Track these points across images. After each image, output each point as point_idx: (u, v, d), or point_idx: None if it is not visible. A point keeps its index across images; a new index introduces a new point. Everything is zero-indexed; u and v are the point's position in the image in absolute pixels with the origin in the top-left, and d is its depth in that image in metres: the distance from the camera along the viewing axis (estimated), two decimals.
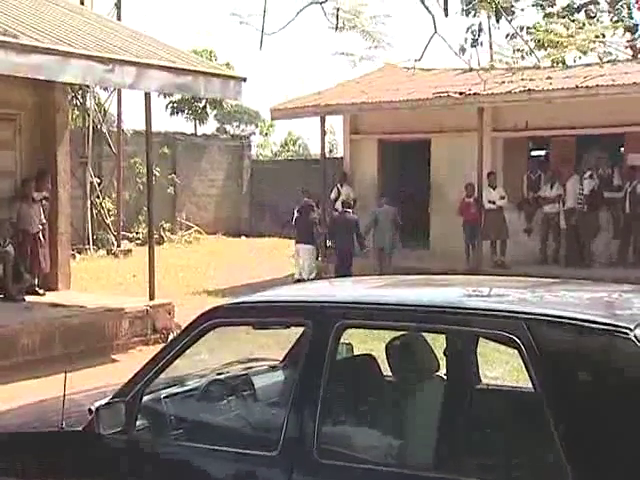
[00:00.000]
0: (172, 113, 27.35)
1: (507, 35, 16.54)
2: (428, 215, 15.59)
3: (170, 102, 27.10)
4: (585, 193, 13.52)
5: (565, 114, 13.81)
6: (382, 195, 14.34)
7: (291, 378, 3.45)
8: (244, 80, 9.66)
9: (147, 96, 9.85)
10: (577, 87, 12.71)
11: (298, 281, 13.20)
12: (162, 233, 20.28)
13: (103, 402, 3.26)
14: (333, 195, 15.84)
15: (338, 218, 13.72)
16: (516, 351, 2.61)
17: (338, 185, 15.94)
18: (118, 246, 18.47)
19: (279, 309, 3.29)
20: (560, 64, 12.76)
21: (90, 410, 3.26)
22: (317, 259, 14.03)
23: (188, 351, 3.31)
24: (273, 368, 4.05)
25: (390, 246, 13.62)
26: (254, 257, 18.36)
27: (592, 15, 18.25)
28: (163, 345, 3.54)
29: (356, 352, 3.91)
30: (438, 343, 3.56)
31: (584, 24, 14.12)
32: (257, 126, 33.65)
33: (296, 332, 3.56)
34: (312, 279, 12.74)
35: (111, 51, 8.55)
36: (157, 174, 17.51)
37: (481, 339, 3.31)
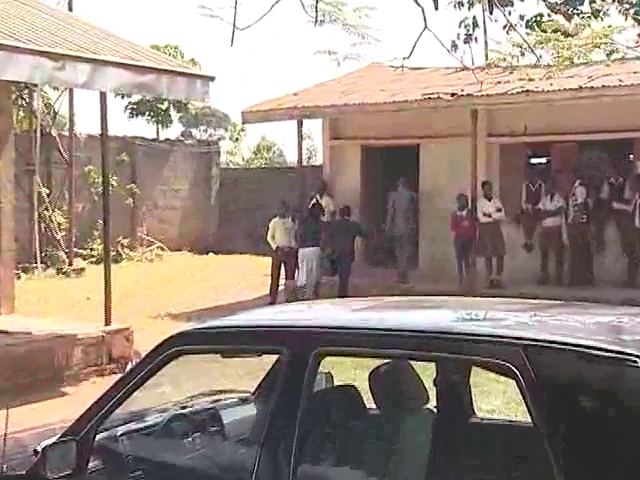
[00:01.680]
0: (131, 116, 27.32)
1: (505, 26, 16.69)
2: (416, 229, 15.66)
3: (129, 103, 27.07)
4: (579, 202, 13.66)
5: (567, 117, 13.96)
6: (398, 178, 14.79)
7: (264, 412, 3.44)
8: (212, 79, 9.67)
9: (103, 96, 9.83)
10: (581, 88, 12.83)
11: (302, 288, 14.12)
12: (120, 250, 20.18)
13: (51, 441, 3.23)
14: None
15: (337, 224, 14.43)
16: (513, 381, 2.62)
17: (317, 196, 15.97)
18: (70, 264, 18.34)
19: (250, 335, 3.29)
20: (567, 62, 12.86)
21: (36, 451, 3.23)
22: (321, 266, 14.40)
23: (148, 382, 3.30)
24: (244, 401, 4.03)
25: (406, 232, 14.27)
26: (224, 276, 18.30)
27: (598, 10, 18.49)
28: (120, 376, 3.52)
29: (336, 382, 3.91)
30: (427, 372, 3.58)
31: (590, 16, 14.29)
32: (227, 130, 33.71)
33: (269, 360, 3.56)
34: (317, 285, 13.90)
35: (62, 46, 8.53)
36: (114, 184, 17.43)
37: (475, 368, 3.32)
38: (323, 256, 14.45)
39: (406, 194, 14.69)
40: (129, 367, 3.52)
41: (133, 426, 3.60)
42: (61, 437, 3.27)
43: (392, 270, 14.96)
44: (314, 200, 15.88)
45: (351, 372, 4.31)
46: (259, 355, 3.46)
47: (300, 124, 15.71)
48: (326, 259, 14.45)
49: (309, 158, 30.70)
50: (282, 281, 15.15)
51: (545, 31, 12.94)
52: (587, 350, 2.61)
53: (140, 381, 3.28)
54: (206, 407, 3.89)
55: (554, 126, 14.29)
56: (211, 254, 22.79)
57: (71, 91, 19.20)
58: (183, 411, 3.79)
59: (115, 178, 18.01)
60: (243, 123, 18.14)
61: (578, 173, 14.26)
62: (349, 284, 14.03)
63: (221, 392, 4.24)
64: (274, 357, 3.42)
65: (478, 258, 14.04)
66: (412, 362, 3.44)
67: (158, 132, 27.37)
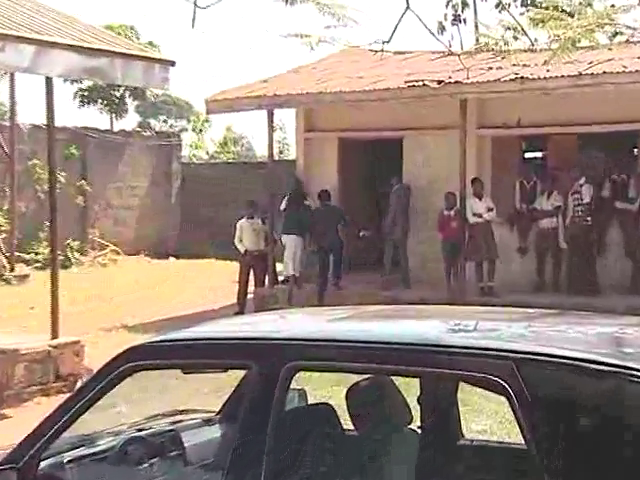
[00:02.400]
0: (82, 104, 27.22)
1: (497, 4, 16.74)
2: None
3: (79, 90, 26.97)
4: (585, 202, 13.70)
5: (566, 108, 14.07)
6: (393, 179, 15.06)
7: (230, 434, 3.44)
8: (172, 64, 9.65)
9: (49, 82, 9.77)
10: (580, 75, 12.87)
11: (286, 280, 14.91)
12: (69, 254, 20.07)
13: None
14: (284, 206, 15.88)
15: (318, 213, 14.76)
16: (504, 398, 2.65)
17: (290, 194, 15.98)
18: (11, 270, 18.21)
19: (215, 348, 3.29)
20: (570, 44, 12.87)
21: None
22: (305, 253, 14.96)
23: (101, 402, 3.28)
24: (207, 422, 4.03)
25: (401, 234, 14.52)
26: (186, 283, 18.26)
27: None
28: (69, 395, 3.50)
29: (311, 400, 3.92)
30: (411, 389, 3.60)
31: None
32: (189, 121, 33.67)
33: (236, 376, 3.56)
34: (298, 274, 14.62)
35: (2, 25, 8.47)
36: (62, 180, 17.33)
37: (463, 384, 3.34)
38: (309, 251, 14.70)
39: (404, 193, 14.78)
40: (79, 385, 3.51)
41: (83, 451, 3.58)
42: (0, 464, 3.25)
43: (373, 275, 15.02)
44: (288, 195, 15.90)
45: (327, 389, 4.32)
46: (224, 371, 3.46)
47: (271, 114, 15.70)
48: (315, 254, 14.73)
49: (281, 152, 30.66)
50: (251, 288, 15.16)
51: (547, 8, 12.99)
52: (585, 364, 2.63)
53: (91, 401, 3.27)
54: (166, 429, 3.88)
55: (551, 117, 14.38)
56: (172, 259, 22.73)
57: (12, 76, 19.06)
58: (140, 434, 3.78)
59: (63, 174, 17.91)
60: (207, 113, 18.09)
61: (581, 170, 14.26)
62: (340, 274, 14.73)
63: (182, 412, 4.23)
64: (241, 373, 3.43)
65: (468, 263, 14.11)
66: (394, 378, 3.46)
67: (112, 122, 27.27)
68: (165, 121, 34.90)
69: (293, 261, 14.85)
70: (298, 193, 15.36)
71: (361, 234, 15.54)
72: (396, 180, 15.07)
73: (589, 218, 13.76)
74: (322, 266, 14.74)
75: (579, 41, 12.84)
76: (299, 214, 15.04)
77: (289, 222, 14.98)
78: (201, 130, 33.29)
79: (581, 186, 13.87)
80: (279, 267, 15.78)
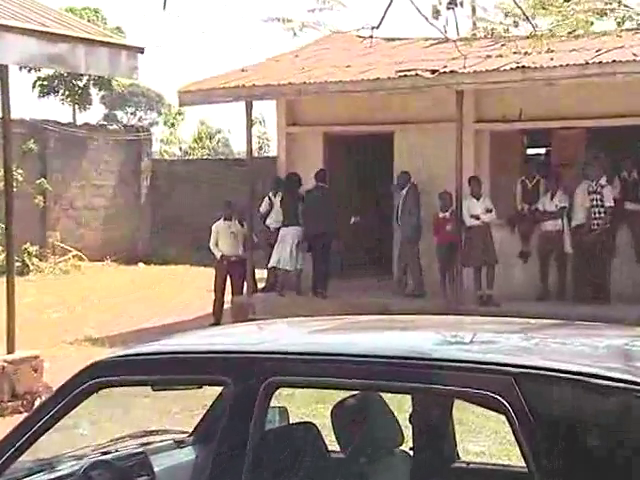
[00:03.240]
0: (41, 94, 27.11)
1: None
2: (390, 233, 15.73)
3: (38, 79, 26.86)
4: (608, 205, 13.66)
5: (572, 99, 14.13)
6: (400, 177, 15.03)
7: (204, 457, 3.43)
8: (141, 51, 9.64)
9: (4, 70, 9.74)
10: (587, 63, 12.92)
11: (273, 269, 15.17)
12: (26, 259, 19.99)
13: None
14: (264, 208, 15.88)
15: (311, 196, 14.88)
16: (504, 417, 2.66)
17: (270, 194, 15.99)
18: None
19: (188, 362, 3.28)
20: (582, 25, 12.88)
21: None
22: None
23: (62, 422, 3.27)
24: (179, 444, 4.02)
25: (413, 236, 14.52)
26: (157, 292, 18.23)
27: None
28: (26, 415, 3.49)
29: (292, 419, 3.92)
30: (402, 407, 3.60)
31: None
32: (160, 114, 33.63)
33: (211, 394, 3.56)
34: (298, 270, 14.94)
35: None
36: (19, 178, 17.28)
37: (459, 401, 3.35)
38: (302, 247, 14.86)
39: (410, 193, 14.72)
40: (38, 404, 3.49)
41: (42, 477, 3.56)
42: None
43: (366, 280, 15.08)
44: (267, 198, 15.90)
45: (310, 407, 4.32)
46: (198, 387, 3.46)
47: (249, 107, 15.69)
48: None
49: (260, 148, 30.70)
50: (228, 297, 15.15)
51: None
52: (592, 379, 2.64)
53: (51, 421, 3.25)
54: (133, 452, 3.87)
55: (555, 110, 14.44)
56: (141, 265, 22.69)
57: None
58: (105, 457, 3.77)
59: (20, 171, 17.85)
60: (180, 105, 18.05)
61: (601, 168, 14.15)
62: (327, 279, 14.79)
63: (152, 433, 4.22)
64: (217, 389, 3.42)
65: (465, 269, 14.14)
66: (383, 394, 3.46)
67: (75, 115, 27.19)
68: (133, 113, 34.85)
69: (290, 255, 14.91)
70: (293, 181, 15.34)
71: (352, 220, 15.56)
72: (403, 178, 14.97)
73: (608, 222, 13.71)
74: (317, 260, 14.82)
75: (591, 24, 12.90)
76: (294, 203, 15.13)
77: (289, 213, 15.02)
78: (173, 124, 33.27)
79: (602, 187, 13.83)
80: (259, 273, 15.78)
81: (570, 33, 12.57)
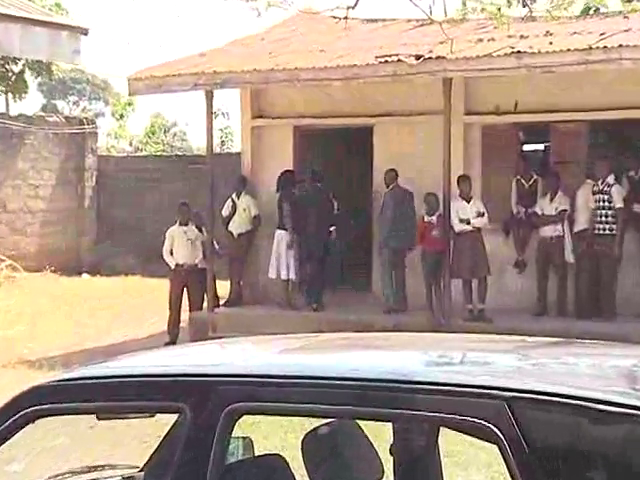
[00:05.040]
0: None
1: None
2: (369, 241, 15.74)
3: None
4: (617, 207, 13.65)
5: (573, 89, 14.21)
6: (396, 176, 14.94)
7: None
8: (85, 32, 9.63)
9: None
10: (591, 48, 12.94)
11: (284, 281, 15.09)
12: None
13: None
14: (226, 211, 15.86)
15: (303, 196, 15.05)
16: (495, 447, 2.66)
17: (233, 195, 15.98)
18: None
19: (137, 387, 3.27)
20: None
21: None
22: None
23: None
24: (129, 479, 4.01)
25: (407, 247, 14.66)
26: (103, 306, 18.14)
27: None
28: None
29: (258, 451, 3.92)
30: (382, 436, 3.61)
31: None
32: (108, 104, 33.50)
33: (166, 422, 3.55)
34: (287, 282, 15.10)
35: None
36: None
37: (445, 429, 3.37)
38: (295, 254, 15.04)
39: (405, 194, 14.68)
40: None
41: None
42: None
43: (344, 294, 15.09)
44: (230, 200, 15.89)
45: (278, 437, 4.31)
46: (150, 416, 3.44)
47: (210, 96, 15.67)
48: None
49: (223, 143, 30.66)
50: (185, 312, 15.10)
51: None
52: (595, 405, 2.65)
53: None
54: None
55: (555, 101, 14.52)
56: (86, 276, 22.57)
57: None
58: None
59: None
60: (130, 94, 17.92)
61: (606, 164, 14.16)
62: (321, 292, 14.90)
63: (97, 468, 4.20)
64: (171, 418, 3.42)
65: (453, 280, 14.17)
66: (361, 422, 3.46)
67: (8, 105, 26.99)
68: (76, 103, 34.72)
69: (287, 261, 15.05)
70: (288, 179, 15.44)
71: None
72: (389, 176, 14.95)
73: (616, 227, 13.71)
74: (315, 269, 14.95)
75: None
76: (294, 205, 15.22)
77: (289, 216, 15.11)
78: (122, 115, 33.17)
79: (610, 186, 13.90)
80: (220, 285, 15.75)
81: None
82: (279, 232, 15.20)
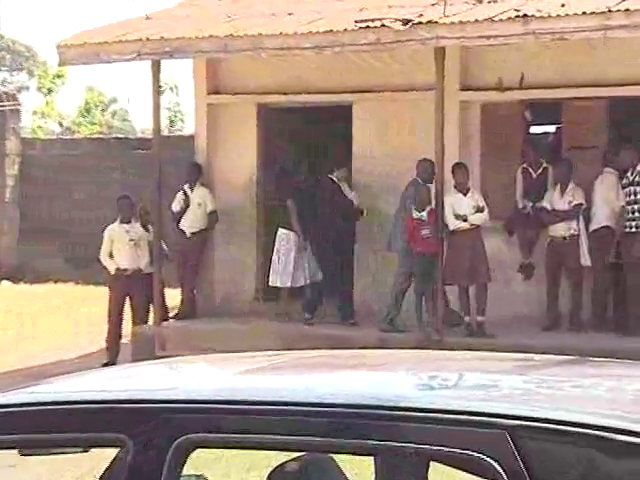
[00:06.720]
0: None
1: None
2: (350, 241, 15.73)
3: None
4: None
5: (590, 61, 14.26)
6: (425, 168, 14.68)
7: None
8: None
9: None
10: (610, 11, 12.96)
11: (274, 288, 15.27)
12: None
13: None
14: (176, 205, 15.81)
15: (314, 192, 15.22)
16: None
17: (185, 187, 15.93)
18: None
19: (69, 416, 3.28)
20: None
21: None
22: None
23: None
24: None
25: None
26: (28, 319, 18.09)
27: None
28: None
29: None
30: (362, 472, 3.62)
31: None
32: (33, 76, 33.35)
33: (106, 456, 3.55)
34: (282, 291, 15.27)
35: None
36: None
37: (435, 464, 3.38)
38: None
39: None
40: None
41: None
42: None
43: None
44: (182, 193, 15.86)
45: (239, 475, 4.31)
46: (84, 450, 3.44)
47: (157, 68, 15.62)
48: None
49: (172, 124, 30.60)
50: (128, 326, 15.08)
51: None
52: (612, 435, 2.68)
53: None
54: None
55: (568, 75, 14.57)
56: (6, 283, 22.48)
57: None
58: None
59: None
60: (60, 64, 17.83)
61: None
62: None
63: None
64: (112, 452, 3.42)
65: (447, 288, 14.20)
66: (336, 456, 3.48)
67: None
68: None
69: (301, 267, 15.16)
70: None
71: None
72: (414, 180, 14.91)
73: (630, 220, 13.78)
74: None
75: None
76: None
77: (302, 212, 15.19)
78: (51, 90, 33.02)
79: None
80: (170, 294, 15.73)
81: None
82: (282, 232, 15.29)
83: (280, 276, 15.19)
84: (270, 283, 15.35)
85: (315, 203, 15.11)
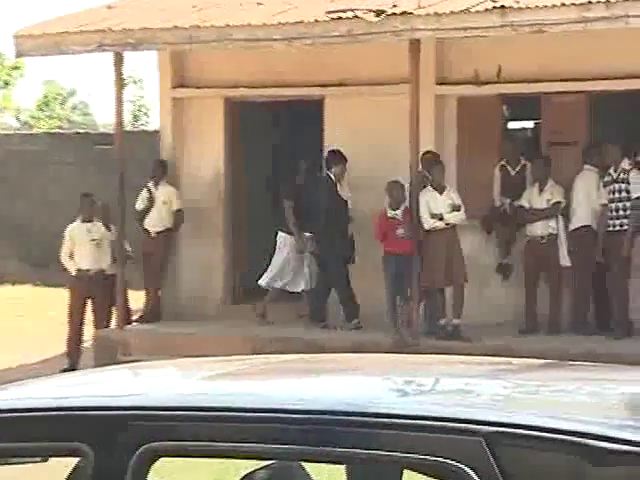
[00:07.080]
0: None
1: None
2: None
3: None
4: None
5: (569, 54, 14.28)
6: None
7: None
8: None
9: None
10: (590, 2, 12.98)
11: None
12: None
13: None
14: (140, 204, 15.78)
15: (314, 190, 15.08)
16: None
17: (150, 184, 15.90)
18: None
19: (26, 424, 3.26)
20: None
21: None
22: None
23: None
24: None
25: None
26: None
27: None
28: None
29: None
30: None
31: None
32: None
33: (65, 465, 3.54)
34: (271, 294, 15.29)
35: None
36: None
37: (409, 472, 3.38)
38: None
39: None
40: None
41: None
42: None
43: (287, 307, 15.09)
44: (146, 190, 15.82)
45: None
46: (43, 460, 3.42)
47: (119, 60, 15.58)
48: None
49: (135, 119, 30.55)
50: (89, 329, 15.02)
51: None
52: (593, 442, 2.68)
53: None
54: None
55: (547, 68, 14.61)
56: None
57: None
58: None
59: None
60: (17, 56, 17.75)
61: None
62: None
63: None
64: (72, 461, 3.40)
65: (423, 289, 14.21)
66: (307, 464, 3.47)
67: None
68: None
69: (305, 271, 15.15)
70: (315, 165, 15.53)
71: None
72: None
73: (628, 221, 13.78)
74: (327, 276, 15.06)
75: None
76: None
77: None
78: (7, 82, 32.94)
79: (627, 172, 14.00)
80: (134, 296, 15.69)
81: None
82: (281, 235, 15.27)
83: (279, 278, 15.18)
84: (263, 283, 15.27)
85: (313, 203, 15.07)
